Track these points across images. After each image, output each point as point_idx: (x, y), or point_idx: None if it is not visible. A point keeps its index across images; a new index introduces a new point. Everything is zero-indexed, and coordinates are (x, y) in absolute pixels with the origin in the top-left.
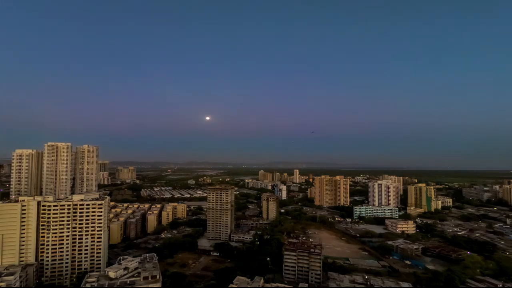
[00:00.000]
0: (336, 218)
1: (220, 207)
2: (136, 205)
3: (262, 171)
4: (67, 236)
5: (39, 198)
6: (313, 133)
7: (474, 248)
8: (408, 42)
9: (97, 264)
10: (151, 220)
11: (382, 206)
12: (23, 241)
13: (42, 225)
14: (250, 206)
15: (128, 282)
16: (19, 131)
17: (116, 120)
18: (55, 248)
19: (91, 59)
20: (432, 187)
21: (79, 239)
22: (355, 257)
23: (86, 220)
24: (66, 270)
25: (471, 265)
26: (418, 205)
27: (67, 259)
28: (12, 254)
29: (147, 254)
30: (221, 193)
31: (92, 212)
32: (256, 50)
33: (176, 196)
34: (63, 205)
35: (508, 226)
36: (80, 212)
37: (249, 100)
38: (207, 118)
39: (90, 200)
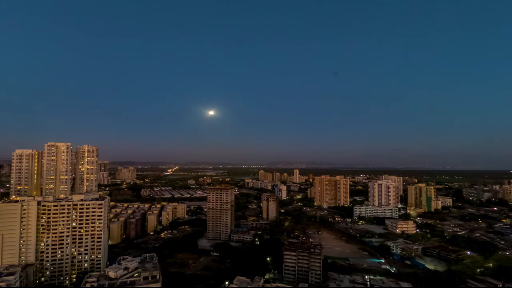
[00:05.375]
0: (336, 218)
1: (220, 207)
2: (136, 205)
3: (262, 171)
4: (67, 236)
5: (39, 198)
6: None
7: (474, 248)
8: (406, 40)
9: (97, 264)
10: (151, 220)
11: (382, 206)
12: (23, 241)
13: (42, 225)
14: (250, 206)
15: (128, 282)
16: (19, 131)
17: (116, 120)
18: (55, 248)
19: (91, 59)
20: (432, 187)
21: (79, 239)
22: (355, 257)
23: (86, 220)
24: (66, 270)
25: (471, 265)
26: (418, 205)
27: (67, 259)
28: (12, 254)
29: (147, 254)
30: (221, 193)
31: (92, 212)
32: (256, 50)
33: (176, 196)
34: (63, 205)
35: (508, 226)
36: (80, 212)
37: (249, 100)
38: (211, 112)
39: (90, 200)
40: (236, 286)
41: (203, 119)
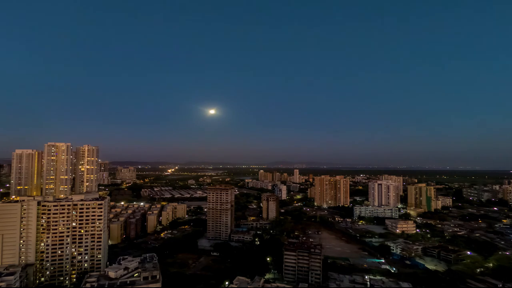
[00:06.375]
0: (336, 218)
1: (220, 207)
2: (136, 205)
3: (262, 171)
4: (67, 236)
5: (39, 198)
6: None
7: (474, 248)
8: (407, 41)
9: (97, 264)
10: (151, 220)
11: (382, 206)
12: (23, 241)
13: (42, 225)
14: (250, 206)
15: (128, 282)
16: (19, 131)
17: (116, 120)
18: (55, 248)
19: (91, 59)
20: (432, 187)
21: (79, 239)
22: (355, 257)
23: (86, 220)
24: (66, 270)
25: (471, 265)
26: (418, 205)
27: (67, 259)
28: (12, 254)
29: (147, 254)
30: (221, 193)
31: (92, 212)
32: (256, 51)
33: (176, 196)
34: (63, 205)
35: (508, 226)
36: (80, 212)
37: (250, 100)
38: (211, 112)
39: (90, 200)
40: (236, 286)
41: (203, 120)
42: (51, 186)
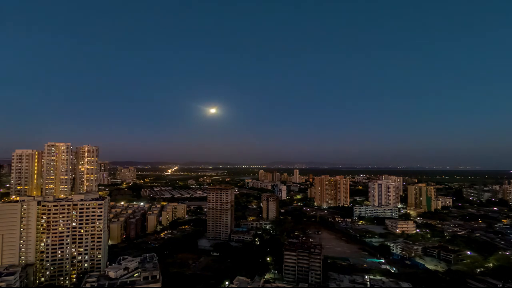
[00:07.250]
0: (336, 218)
1: (220, 207)
2: (136, 205)
3: (262, 171)
4: (67, 236)
5: (39, 198)
6: None
7: (474, 248)
8: (407, 40)
9: (97, 264)
10: (151, 220)
11: (382, 206)
12: (23, 241)
13: (42, 225)
14: (250, 206)
15: (128, 282)
16: (19, 131)
17: (116, 120)
18: (55, 248)
19: (91, 59)
20: (432, 187)
21: (79, 239)
22: (355, 257)
23: (86, 220)
24: (66, 270)
25: (471, 265)
26: (418, 205)
27: (67, 259)
28: (12, 254)
29: (147, 254)
30: (221, 193)
31: (92, 212)
32: (256, 51)
33: (176, 196)
34: (63, 205)
35: (508, 226)
36: (80, 212)
37: (250, 99)
38: (211, 112)
39: (90, 200)
40: (236, 286)
41: (203, 119)
42: (51, 186)
